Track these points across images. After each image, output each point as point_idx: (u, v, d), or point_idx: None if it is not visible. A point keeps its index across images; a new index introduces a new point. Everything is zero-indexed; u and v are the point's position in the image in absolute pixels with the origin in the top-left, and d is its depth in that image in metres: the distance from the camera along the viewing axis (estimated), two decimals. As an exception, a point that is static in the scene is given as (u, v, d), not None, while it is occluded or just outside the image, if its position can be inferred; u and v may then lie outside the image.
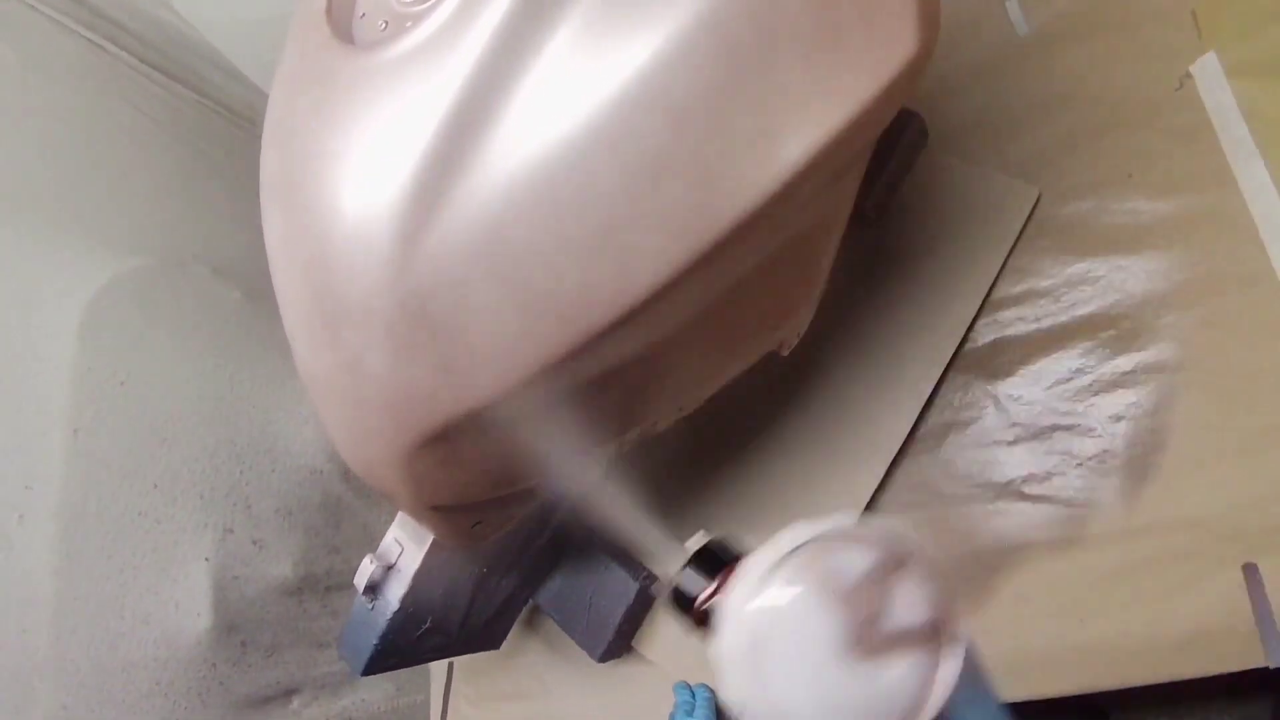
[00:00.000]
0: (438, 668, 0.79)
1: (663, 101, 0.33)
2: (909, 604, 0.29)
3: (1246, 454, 0.50)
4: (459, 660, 0.77)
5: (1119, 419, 0.54)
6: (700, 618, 0.35)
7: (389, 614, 0.57)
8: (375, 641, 0.57)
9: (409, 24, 0.37)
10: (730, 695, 0.29)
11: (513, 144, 0.34)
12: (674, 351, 0.43)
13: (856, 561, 0.29)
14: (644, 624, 0.66)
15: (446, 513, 0.50)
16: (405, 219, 0.35)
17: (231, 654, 0.75)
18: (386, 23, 0.39)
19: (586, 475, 0.56)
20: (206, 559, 0.74)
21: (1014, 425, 0.57)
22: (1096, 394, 0.55)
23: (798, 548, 0.30)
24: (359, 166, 0.37)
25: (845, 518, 0.31)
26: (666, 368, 0.45)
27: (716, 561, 0.36)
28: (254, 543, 0.80)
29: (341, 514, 0.90)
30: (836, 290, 0.54)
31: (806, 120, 0.34)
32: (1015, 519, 0.55)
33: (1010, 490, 0.56)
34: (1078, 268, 0.57)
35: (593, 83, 0.33)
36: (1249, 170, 0.53)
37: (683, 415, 0.52)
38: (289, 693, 0.80)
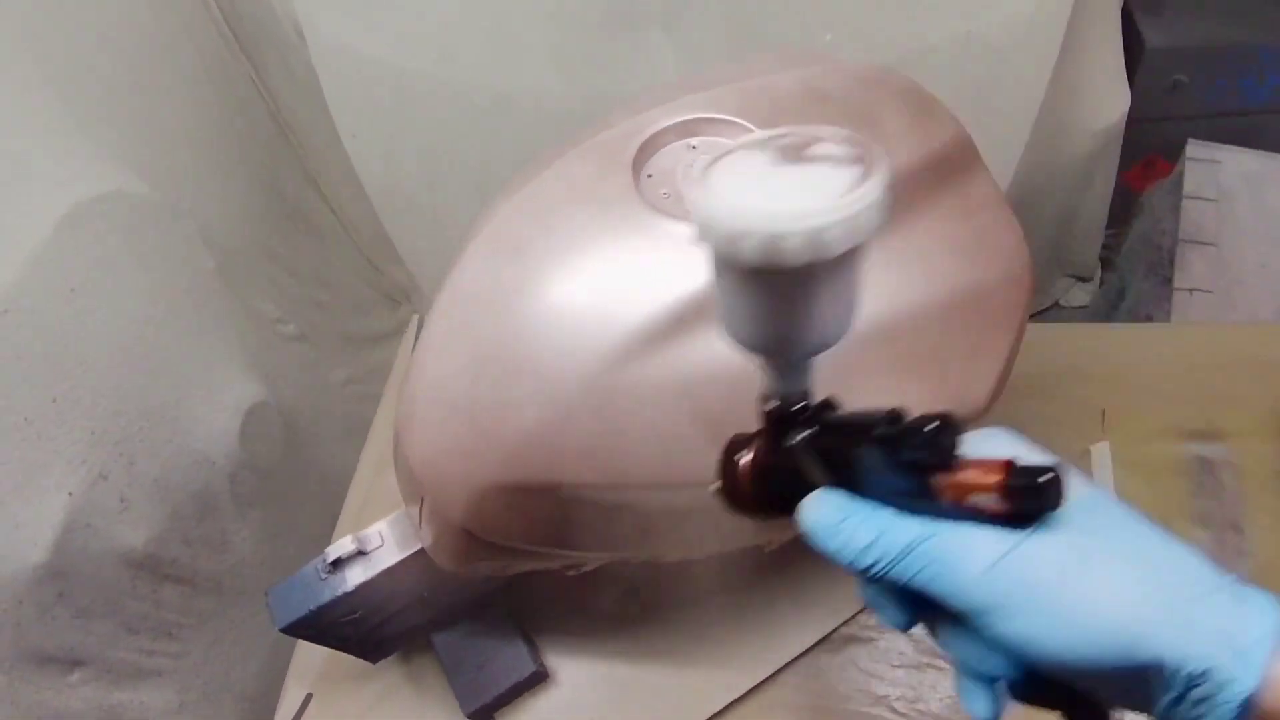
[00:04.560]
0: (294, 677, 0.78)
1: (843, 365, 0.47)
2: (831, 145, 0.31)
3: None
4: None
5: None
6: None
7: (338, 592, 0.60)
8: (311, 608, 0.60)
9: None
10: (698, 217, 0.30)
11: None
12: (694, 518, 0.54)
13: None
14: (511, 706, 0.72)
15: (468, 538, 0.57)
16: (633, 341, 0.47)
17: (44, 599, 0.68)
18: (669, 194, 0.52)
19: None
20: (70, 494, 0.69)
21: (901, 654, 0.71)
22: (966, 652, 0.71)
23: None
24: (623, 284, 0.48)
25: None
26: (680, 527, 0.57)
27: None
28: (121, 500, 0.75)
29: (210, 512, 0.88)
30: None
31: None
32: (882, 725, 0.68)
33: (884, 702, 0.68)
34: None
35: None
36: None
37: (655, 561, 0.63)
38: (74, 663, 0.73)
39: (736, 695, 0.70)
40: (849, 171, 0.29)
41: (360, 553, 0.63)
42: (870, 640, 0.72)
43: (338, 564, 0.62)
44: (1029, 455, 0.30)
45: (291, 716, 0.77)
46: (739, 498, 0.37)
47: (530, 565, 0.62)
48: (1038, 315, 1.19)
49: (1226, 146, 0.95)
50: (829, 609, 0.72)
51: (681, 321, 0.47)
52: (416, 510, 0.60)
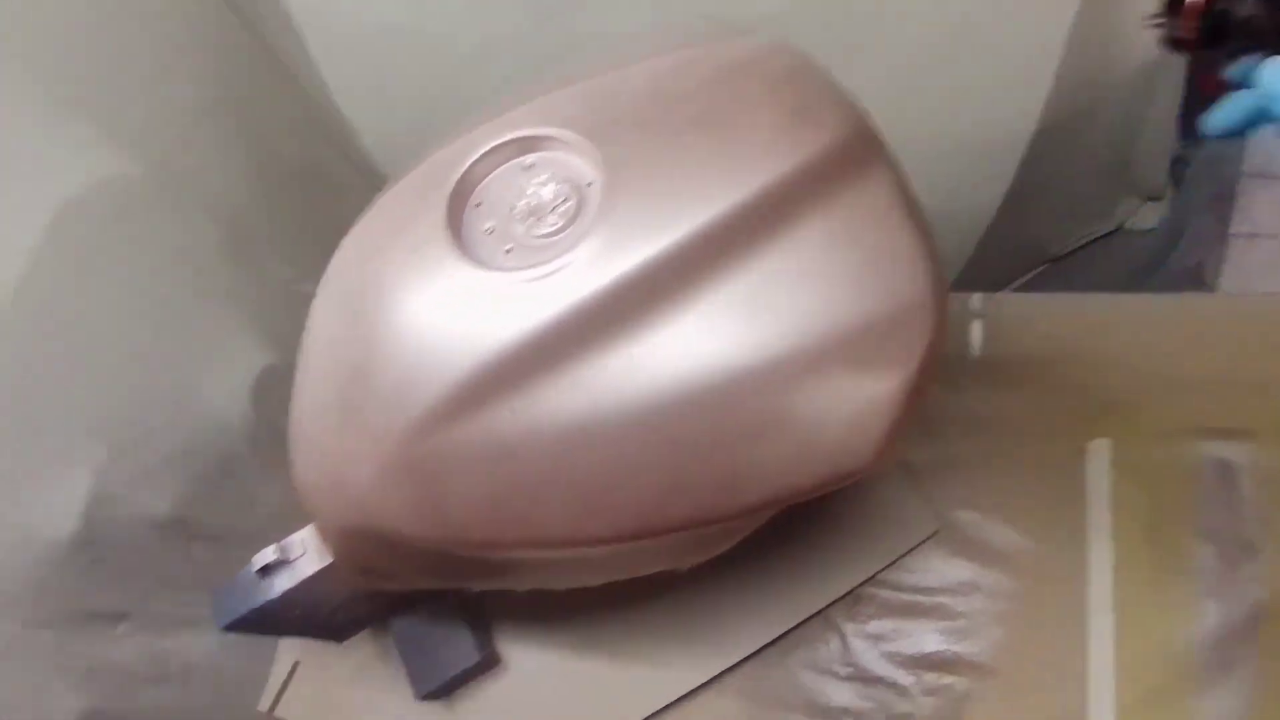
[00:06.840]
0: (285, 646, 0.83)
1: (674, 430, 0.42)
2: None
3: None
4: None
5: (931, 693, 0.64)
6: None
7: (269, 596, 0.62)
8: (245, 611, 0.63)
9: (509, 247, 0.45)
10: None
11: (549, 401, 0.42)
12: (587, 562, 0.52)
13: None
14: (466, 688, 0.74)
15: (359, 568, 0.57)
16: (442, 405, 0.44)
17: (81, 564, 0.74)
18: (492, 229, 0.47)
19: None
20: (92, 471, 0.74)
21: (850, 665, 0.66)
22: (921, 668, 0.65)
23: None
24: (432, 342, 0.44)
25: None
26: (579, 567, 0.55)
27: None
28: (144, 471, 0.80)
29: (234, 474, 0.91)
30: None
31: (765, 486, 0.44)
32: (823, 742, 0.65)
33: (829, 716, 0.65)
34: (948, 563, 0.68)
35: (632, 393, 0.42)
36: (1098, 546, 0.64)
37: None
38: (119, 616, 0.80)
39: (671, 699, 0.68)
40: None
41: (283, 561, 0.64)
42: (819, 647, 0.67)
43: (265, 570, 0.64)
44: None
45: (280, 682, 0.82)
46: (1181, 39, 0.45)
47: (428, 586, 0.62)
48: (1101, 239, 1.04)
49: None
50: (778, 614, 0.68)
51: (493, 383, 0.43)
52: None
